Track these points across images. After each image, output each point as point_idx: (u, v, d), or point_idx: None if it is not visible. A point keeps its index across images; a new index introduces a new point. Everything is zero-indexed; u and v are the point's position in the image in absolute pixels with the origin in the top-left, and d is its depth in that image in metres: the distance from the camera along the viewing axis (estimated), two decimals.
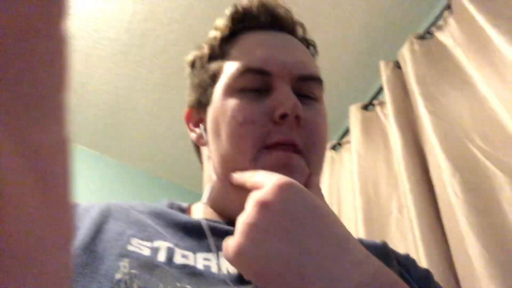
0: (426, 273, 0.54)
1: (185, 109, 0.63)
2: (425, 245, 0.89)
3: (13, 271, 0.12)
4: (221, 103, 0.52)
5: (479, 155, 0.90)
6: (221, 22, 0.58)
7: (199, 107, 0.58)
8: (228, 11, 0.58)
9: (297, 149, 0.48)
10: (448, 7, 1.23)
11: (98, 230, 0.43)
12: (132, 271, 0.37)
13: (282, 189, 0.36)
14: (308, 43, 0.62)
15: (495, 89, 0.97)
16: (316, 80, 0.55)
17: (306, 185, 0.46)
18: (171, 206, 0.55)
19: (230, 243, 0.35)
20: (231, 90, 0.52)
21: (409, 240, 1.00)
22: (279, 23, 0.57)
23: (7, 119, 0.13)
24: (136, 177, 2.27)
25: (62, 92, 0.15)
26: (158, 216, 0.49)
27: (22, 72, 0.13)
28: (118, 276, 0.36)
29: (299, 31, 0.61)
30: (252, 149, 0.48)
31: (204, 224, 0.47)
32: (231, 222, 0.45)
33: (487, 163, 0.88)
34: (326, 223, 0.35)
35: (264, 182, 0.37)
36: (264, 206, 0.35)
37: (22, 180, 0.13)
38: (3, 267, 0.12)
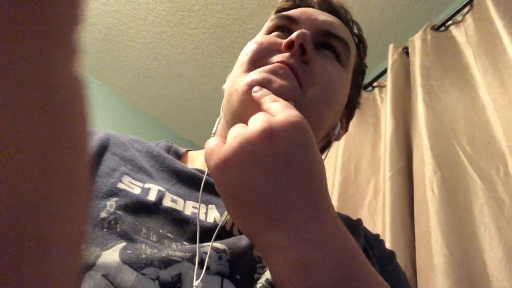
0: (390, 255, 0.57)
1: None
2: (392, 233, 0.93)
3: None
4: (249, 42, 0.54)
5: (463, 158, 0.92)
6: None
7: None
8: None
9: (294, 71, 0.47)
10: (470, 2, 1.20)
11: (94, 162, 0.43)
12: (118, 212, 0.37)
13: (293, 128, 0.34)
14: (359, 40, 0.63)
15: (494, 97, 0.97)
16: (343, 41, 0.55)
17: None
18: (168, 149, 0.55)
19: (220, 150, 0.34)
20: (263, 34, 0.56)
21: (378, 225, 1.04)
22: (334, 10, 0.59)
23: (26, 51, 0.12)
24: (122, 107, 2.24)
25: (75, 27, 0.14)
26: (155, 158, 0.49)
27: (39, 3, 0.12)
28: (103, 214, 0.36)
29: (353, 28, 0.62)
30: (249, 64, 0.49)
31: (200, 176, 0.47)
32: None
33: (468, 166, 0.90)
34: (315, 179, 0.34)
35: (278, 112, 0.36)
36: (269, 137, 0.33)
37: (35, 123, 0.12)
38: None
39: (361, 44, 0.63)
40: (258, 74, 0.46)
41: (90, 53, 2.00)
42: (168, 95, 2.15)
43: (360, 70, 0.64)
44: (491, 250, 0.76)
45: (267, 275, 0.37)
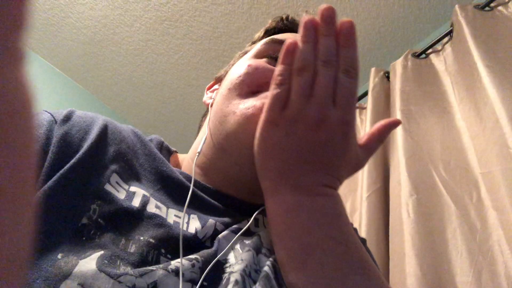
0: (362, 241, 0.58)
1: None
2: None
3: None
4: (241, 63, 0.54)
5: (438, 182, 0.94)
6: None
7: (224, 76, 0.59)
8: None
9: None
10: (450, 33, 1.25)
11: (91, 155, 0.41)
12: (99, 220, 0.36)
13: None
14: None
15: (469, 124, 1.01)
16: None
17: None
18: (160, 146, 0.54)
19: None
20: (254, 56, 0.55)
21: None
22: None
23: None
24: (102, 112, 2.19)
25: (19, 33, 0.14)
26: (146, 156, 0.48)
27: None
28: (84, 220, 0.36)
29: None
30: (245, 87, 0.49)
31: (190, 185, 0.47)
32: (217, 191, 0.49)
33: (443, 191, 0.92)
34: (338, 164, 0.42)
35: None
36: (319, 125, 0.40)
37: None
38: None
39: None
40: (260, 100, 0.46)
41: (74, 56, 1.97)
42: (150, 102, 2.13)
43: None
44: (462, 275, 0.77)
45: (232, 275, 0.38)
